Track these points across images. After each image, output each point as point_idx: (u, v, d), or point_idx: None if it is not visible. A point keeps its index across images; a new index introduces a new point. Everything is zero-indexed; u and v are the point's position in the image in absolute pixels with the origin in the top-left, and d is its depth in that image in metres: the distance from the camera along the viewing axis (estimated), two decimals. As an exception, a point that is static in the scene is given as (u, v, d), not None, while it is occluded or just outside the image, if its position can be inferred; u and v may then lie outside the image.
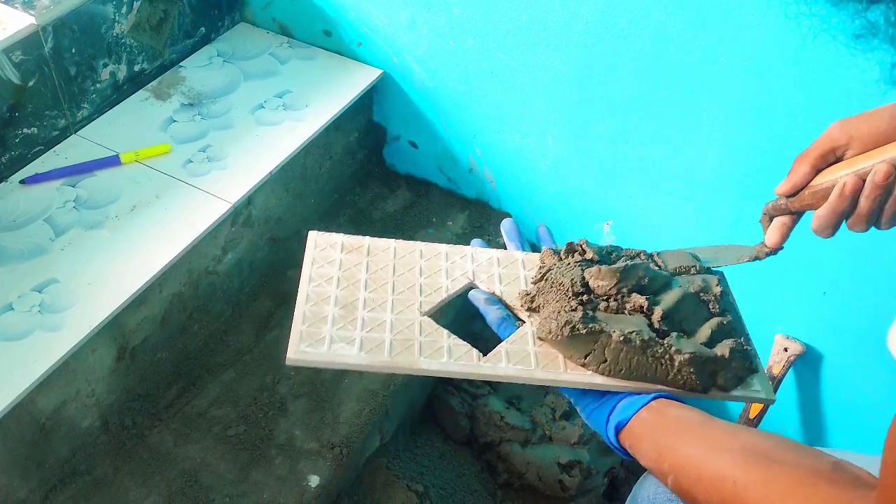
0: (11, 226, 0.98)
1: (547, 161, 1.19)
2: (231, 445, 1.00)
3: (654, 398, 0.64)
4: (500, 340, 0.69)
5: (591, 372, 0.66)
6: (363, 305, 0.70)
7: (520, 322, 0.71)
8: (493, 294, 0.74)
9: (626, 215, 1.18)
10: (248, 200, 1.08)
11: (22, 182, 1.02)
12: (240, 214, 1.08)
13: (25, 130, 1.03)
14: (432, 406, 1.22)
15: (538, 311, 0.71)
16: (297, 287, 0.72)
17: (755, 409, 1.14)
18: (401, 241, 0.77)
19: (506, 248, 0.80)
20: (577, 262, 0.72)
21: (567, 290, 0.69)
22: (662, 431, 0.61)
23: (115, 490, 0.94)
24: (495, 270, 0.76)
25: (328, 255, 0.74)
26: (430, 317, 0.71)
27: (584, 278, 0.71)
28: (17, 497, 0.89)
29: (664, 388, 0.66)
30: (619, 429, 0.63)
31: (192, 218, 1.00)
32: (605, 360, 0.66)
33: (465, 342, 0.68)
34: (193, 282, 1.05)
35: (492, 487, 1.17)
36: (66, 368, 0.88)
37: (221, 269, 1.09)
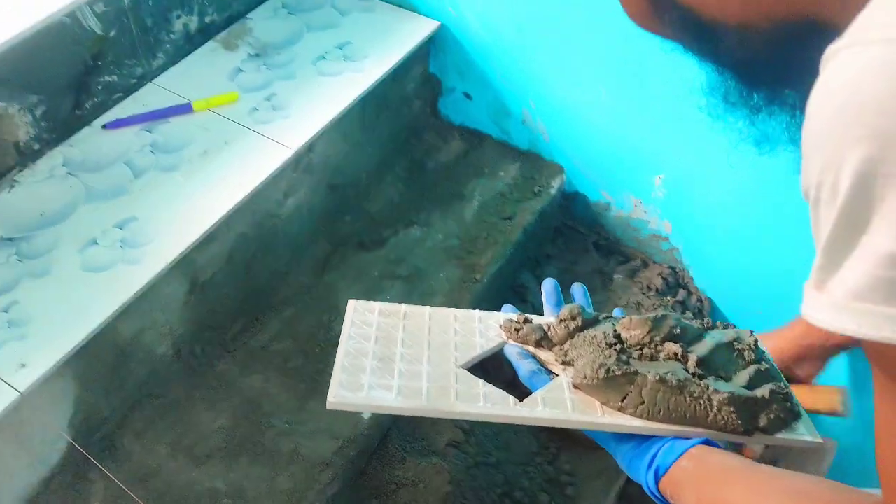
0: (95, 167, 1.06)
1: (600, 114, 1.20)
2: (290, 377, 1.07)
3: (695, 444, 0.62)
4: None
5: (629, 416, 0.65)
6: (400, 359, 0.71)
7: (553, 375, 0.71)
8: (526, 349, 0.74)
9: (678, 168, 1.19)
10: (309, 147, 1.13)
11: (104, 127, 1.10)
12: (301, 161, 1.14)
13: (107, 78, 1.10)
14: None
15: (572, 364, 0.71)
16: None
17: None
18: (436, 308, 0.79)
19: (543, 308, 0.80)
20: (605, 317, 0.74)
21: (600, 341, 0.69)
22: (704, 479, 0.60)
23: (187, 412, 1.02)
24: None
25: (366, 319, 0.76)
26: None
27: (615, 331, 0.71)
28: (101, 415, 0.98)
29: (705, 431, 0.64)
30: (658, 477, 0.62)
31: (257, 163, 1.06)
32: (643, 402, 0.65)
33: (500, 390, 0.69)
34: (257, 223, 1.11)
35: (535, 429, 1.21)
36: (144, 299, 0.96)
37: (283, 212, 1.15)
